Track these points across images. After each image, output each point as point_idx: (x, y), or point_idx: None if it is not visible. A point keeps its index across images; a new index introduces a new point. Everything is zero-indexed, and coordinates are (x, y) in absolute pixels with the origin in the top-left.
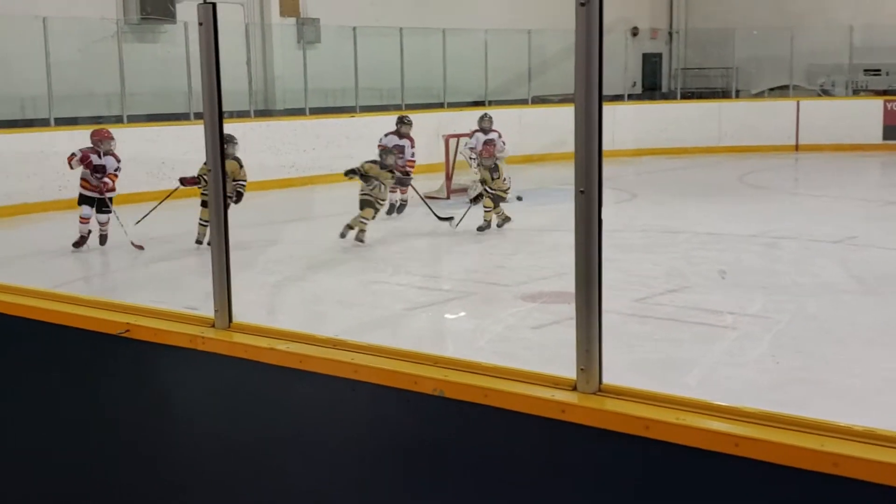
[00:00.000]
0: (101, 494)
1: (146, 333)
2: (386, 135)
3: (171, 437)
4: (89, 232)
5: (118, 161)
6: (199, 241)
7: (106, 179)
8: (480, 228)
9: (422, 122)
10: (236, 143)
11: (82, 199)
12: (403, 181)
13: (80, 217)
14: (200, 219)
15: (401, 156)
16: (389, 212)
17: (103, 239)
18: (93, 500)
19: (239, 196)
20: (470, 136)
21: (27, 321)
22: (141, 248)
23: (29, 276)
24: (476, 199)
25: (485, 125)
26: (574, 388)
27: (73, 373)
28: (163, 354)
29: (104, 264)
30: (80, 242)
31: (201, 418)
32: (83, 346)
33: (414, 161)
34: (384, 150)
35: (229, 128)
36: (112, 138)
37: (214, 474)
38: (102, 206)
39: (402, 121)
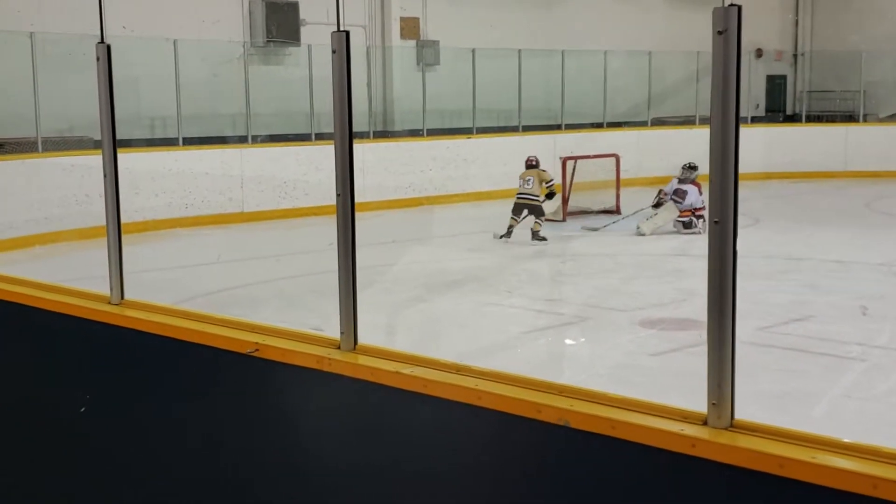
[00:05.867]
0: None
1: (274, 353)
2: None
3: (296, 458)
4: None
5: None
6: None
7: None
8: None
9: (539, 145)
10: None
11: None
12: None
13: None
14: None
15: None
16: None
17: None
18: None
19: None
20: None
21: (157, 337)
22: None
23: (155, 292)
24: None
25: (688, 175)
26: (704, 423)
27: (201, 390)
28: (290, 374)
29: (225, 281)
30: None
31: (326, 439)
32: (212, 364)
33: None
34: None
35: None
36: None
37: (337, 496)
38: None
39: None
